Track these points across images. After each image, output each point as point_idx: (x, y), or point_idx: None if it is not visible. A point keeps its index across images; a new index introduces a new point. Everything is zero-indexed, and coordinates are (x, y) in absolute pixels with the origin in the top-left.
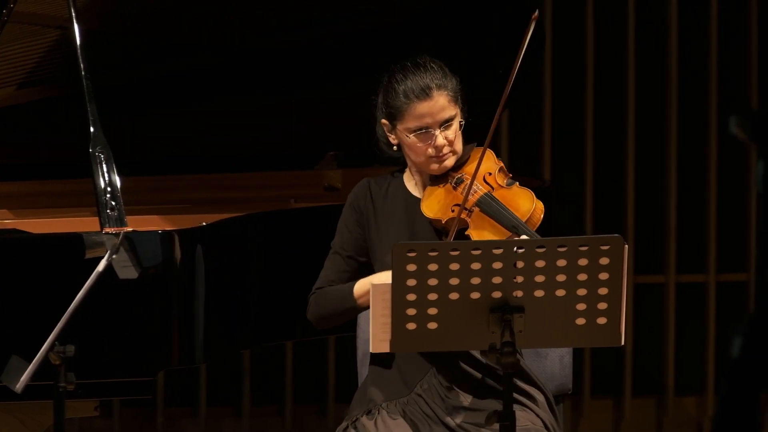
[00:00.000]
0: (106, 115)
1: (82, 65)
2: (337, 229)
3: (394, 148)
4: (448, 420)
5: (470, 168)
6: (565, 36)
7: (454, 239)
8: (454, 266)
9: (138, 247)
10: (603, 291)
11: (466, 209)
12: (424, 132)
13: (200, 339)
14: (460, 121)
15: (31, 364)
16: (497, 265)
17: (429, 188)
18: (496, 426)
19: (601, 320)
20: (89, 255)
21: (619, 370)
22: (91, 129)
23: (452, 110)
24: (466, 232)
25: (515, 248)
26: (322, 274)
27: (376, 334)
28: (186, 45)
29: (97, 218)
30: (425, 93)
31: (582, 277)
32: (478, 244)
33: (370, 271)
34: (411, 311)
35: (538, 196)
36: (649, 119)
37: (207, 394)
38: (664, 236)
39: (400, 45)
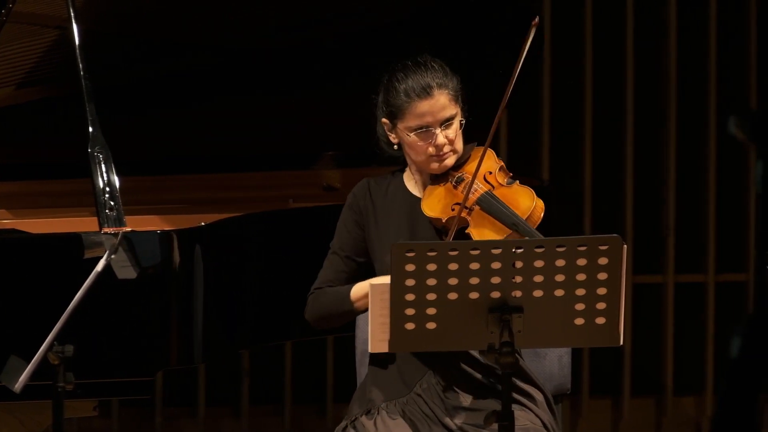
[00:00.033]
0: (105, 115)
1: (80, 65)
2: (336, 229)
3: (395, 147)
4: (448, 420)
5: (471, 167)
6: (564, 36)
7: (454, 238)
8: (453, 266)
9: (137, 247)
10: (602, 291)
11: (466, 208)
12: (425, 131)
13: (199, 339)
14: (461, 121)
15: (30, 364)
16: (496, 265)
17: (429, 187)
18: (495, 426)
19: (600, 320)
20: (88, 255)
21: (617, 370)
22: (90, 129)
23: (453, 109)
24: (466, 231)
25: (514, 248)
26: (321, 274)
27: (374, 334)
28: (185, 45)
29: (95, 218)
30: (426, 92)
31: (581, 277)
32: (477, 244)
33: (368, 271)
34: (410, 311)
35: (537, 196)
36: (648, 120)
37: (206, 394)
38: (662, 236)
39: (400, 45)
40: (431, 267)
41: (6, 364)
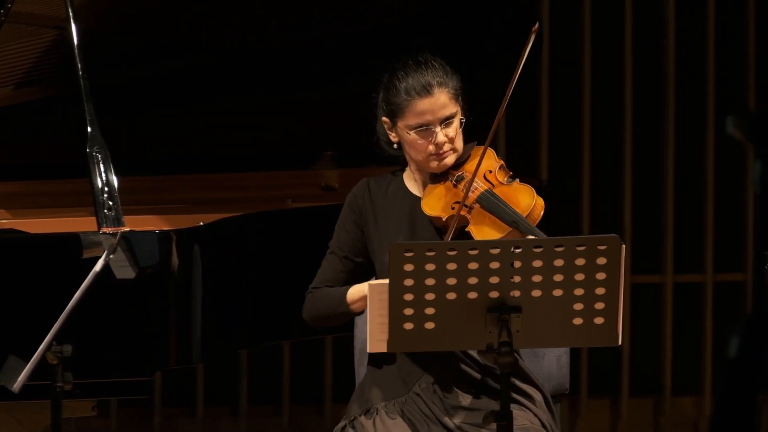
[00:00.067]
0: (105, 115)
1: (79, 65)
2: (335, 228)
3: (395, 146)
4: (447, 420)
5: (470, 166)
6: (563, 36)
7: (454, 236)
8: (452, 266)
9: (135, 247)
10: (600, 291)
11: (466, 206)
12: (425, 129)
13: (197, 339)
14: (461, 119)
15: (29, 364)
16: (494, 265)
17: (429, 186)
18: (494, 425)
19: (599, 320)
20: (86, 255)
21: (616, 369)
22: (89, 129)
23: (453, 108)
24: (466, 229)
25: (512, 248)
26: (319, 274)
27: (373, 334)
28: (184, 45)
29: (94, 218)
30: (426, 90)
31: (579, 276)
32: (476, 244)
33: (367, 271)
34: (408, 311)
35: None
36: (646, 120)
37: (204, 393)
38: (661, 236)
39: (400, 45)
40: (430, 267)
41: (5, 364)
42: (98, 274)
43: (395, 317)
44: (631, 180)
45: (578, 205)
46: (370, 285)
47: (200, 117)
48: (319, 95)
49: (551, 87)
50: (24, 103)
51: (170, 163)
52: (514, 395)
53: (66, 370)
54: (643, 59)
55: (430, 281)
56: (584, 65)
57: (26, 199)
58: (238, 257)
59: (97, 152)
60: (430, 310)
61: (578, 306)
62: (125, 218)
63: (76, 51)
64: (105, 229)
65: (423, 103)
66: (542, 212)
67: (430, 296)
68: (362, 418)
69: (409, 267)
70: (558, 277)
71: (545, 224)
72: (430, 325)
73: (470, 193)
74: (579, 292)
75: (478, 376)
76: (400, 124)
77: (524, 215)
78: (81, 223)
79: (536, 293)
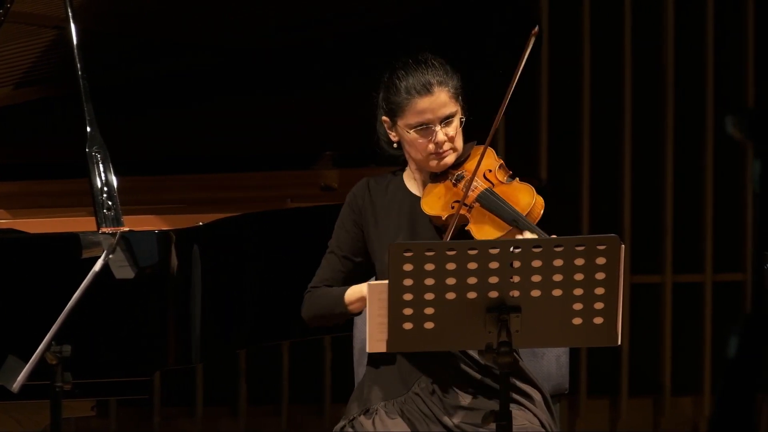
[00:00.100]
0: (104, 115)
1: (78, 65)
2: (334, 228)
3: (395, 145)
4: (446, 419)
5: (470, 165)
6: (562, 35)
7: (454, 235)
8: (451, 266)
9: (134, 246)
10: (599, 291)
11: (466, 205)
12: (425, 128)
13: (197, 339)
14: (461, 118)
15: (28, 364)
16: (494, 265)
17: (429, 186)
18: (493, 425)
19: (598, 320)
20: (86, 255)
21: (615, 369)
22: (88, 129)
23: (453, 107)
24: (466, 228)
25: (512, 248)
26: (318, 273)
27: (372, 334)
28: (184, 45)
29: (93, 218)
30: (426, 89)
31: (578, 276)
32: (475, 244)
33: (366, 271)
34: (408, 311)
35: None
36: (645, 119)
37: (203, 393)
38: (660, 236)
39: (400, 45)
40: (429, 267)
41: (4, 364)
42: (97, 274)
43: (394, 317)
44: (630, 180)
45: (577, 204)
46: (369, 285)
47: (200, 117)
48: (319, 95)
49: (551, 86)
50: (23, 103)
51: (169, 163)
52: (514, 395)
53: (65, 370)
54: (642, 58)
55: (429, 281)
56: (583, 65)
57: (25, 198)
58: (238, 257)
59: (96, 152)
60: (429, 310)
61: (577, 306)
62: (124, 218)
63: (75, 51)
64: (104, 229)
65: (423, 102)
66: (542, 211)
67: (429, 296)
68: (361, 418)
69: (408, 267)
70: (557, 277)
71: (545, 223)
72: (429, 325)
73: (470, 192)
74: (578, 292)
75: (477, 376)
76: (400, 123)
77: (524, 214)
78: (80, 223)
79: (535, 293)
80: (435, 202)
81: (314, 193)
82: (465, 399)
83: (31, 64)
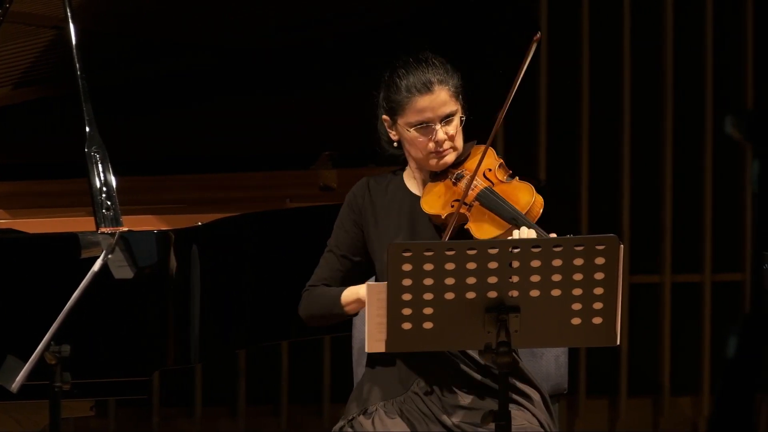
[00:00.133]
0: (103, 115)
1: (77, 65)
2: (333, 227)
3: (395, 144)
4: (445, 419)
5: (470, 164)
6: (561, 36)
7: (453, 234)
8: (450, 266)
9: (133, 246)
10: (598, 291)
11: (465, 204)
12: (425, 126)
13: (196, 339)
14: (461, 117)
15: (27, 364)
16: (493, 265)
17: (429, 185)
18: (493, 425)
19: (597, 320)
20: (85, 255)
21: (614, 369)
22: (87, 129)
23: (453, 106)
24: (465, 227)
25: (511, 248)
26: (316, 272)
27: (371, 334)
28: (184, 45)
29: (92, 218)
30: (427, 87)
31: (577, 276)
32: (474, 244)
33: (364, 270)
34: (406, 311)
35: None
36: (644, 119)
37: (202, 393)
38: (659, 236)
39: (400, 45)
40: (428, 267)
41: (3, 364)
42: (96, 274)
43: (394, 317)
44: (629, 180)
45: (577, 205)
46: (368, 286)
47: (199, 117)
48: (319, 95)
49: (550, 87)
50: (22, 103)
51: (169, 163)
52: (513, 395)
53: (64, 370)
54: (641, 59)
55: (428, 281)
56: (583, 65)
57: (24, 198)
58: (237, 257)
59: (95, 152)
60: (428, 310)
61: (576, 306)
62: (124, 218)
63: (74, 51)
64: (103, 229)
65: (423, 101)
66: (541, 209)
67: (428, 296)
68: (361, 418)
69: (407, 267)
70: (556, 277)
71: (544, 222)
72: (428, 325)
73: (470, 191)
74: (577, 292)
75: (476, 376)
76: (401, 121)
77: (524, 212)
78: (79, 223)
79: (534, 293)
80: (435, 201)
81: (313, 193)
82: (464, 399)
83: (30, 64)
